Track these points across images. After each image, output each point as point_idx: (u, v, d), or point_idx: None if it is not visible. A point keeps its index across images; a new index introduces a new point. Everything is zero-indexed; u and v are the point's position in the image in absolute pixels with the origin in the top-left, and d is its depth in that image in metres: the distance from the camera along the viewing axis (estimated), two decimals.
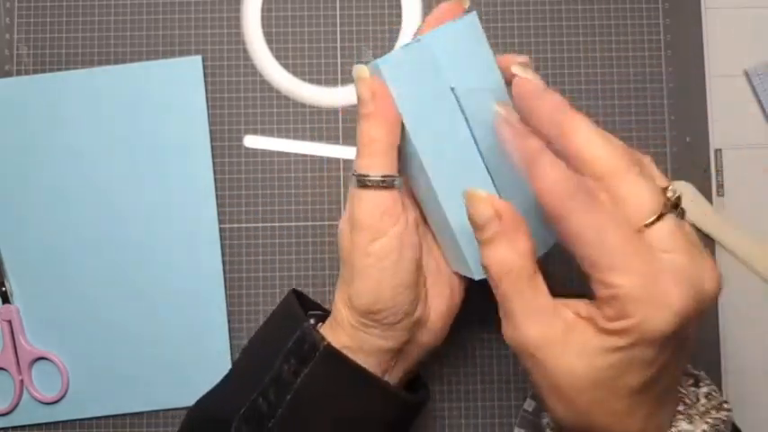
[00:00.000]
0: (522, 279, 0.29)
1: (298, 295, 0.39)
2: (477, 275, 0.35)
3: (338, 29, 0.48)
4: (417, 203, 0.38)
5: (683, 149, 0.48)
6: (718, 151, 0.48)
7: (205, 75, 0.48)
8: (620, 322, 0.27)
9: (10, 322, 0.46)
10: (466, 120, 0.33)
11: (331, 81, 0.48)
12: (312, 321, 0.36)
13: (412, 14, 0.48)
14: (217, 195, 0.47)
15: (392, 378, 0.36)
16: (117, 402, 0.46)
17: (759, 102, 0.48)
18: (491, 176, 0.34)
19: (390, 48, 0.48)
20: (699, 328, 0.31)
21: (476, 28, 0.34)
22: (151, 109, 0.47)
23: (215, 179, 0.47)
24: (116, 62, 0.48)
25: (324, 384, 0.34)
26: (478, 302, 0.47)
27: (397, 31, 0.48)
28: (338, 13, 0.48)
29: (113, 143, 0.47)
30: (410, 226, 0.34)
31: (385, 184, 0.33)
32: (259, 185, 0.47)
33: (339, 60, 0.48)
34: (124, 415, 0.46)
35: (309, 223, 0.47)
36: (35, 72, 0.48)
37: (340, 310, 0.36)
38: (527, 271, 0.29)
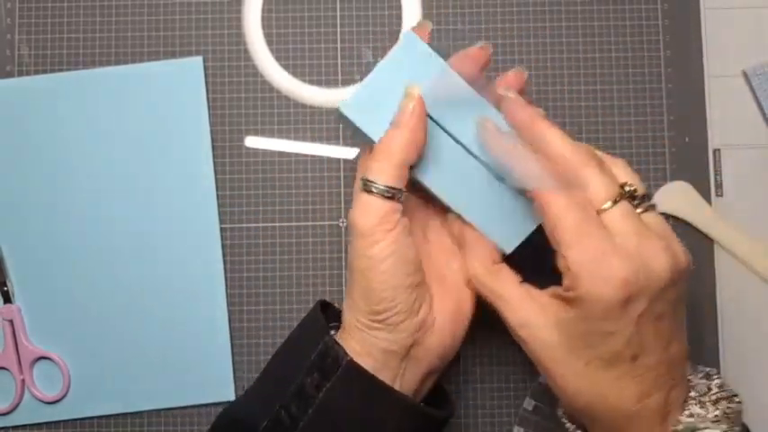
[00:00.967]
0: (487, 281, 0.37)
1: (325, 305, 0.40)
2: (508, 249, 0.38)
3: (338, 30, 0.48)
4: (415, 208, 0.39)
5: (681, 150, 0.48)
6: (716, 151, 0.48)
7: (206, 75, 0.48)
8: (571, 292, 0.32)
9: (11, 322, 0.46)
10: (444, 129, 0.37)
11: (331, 82, 0.48)
12: (333, 333, 0.37)
13: (412, 15, 0.48)
14: (217, 195, 0.47)
15: (404, 384, 0.36)
16: (118, 402, 0.46)
17: (758, 102, 0.48)
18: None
19: (390, 48, 0.48)
20: (679, 315, 0.34)
21: (415, 44, 0.37)
22: (152, 110, 0.47)
23: (216, 179, 0.47)
24: (117, 63, 0.48)
25: (345, 399, 0.35)
26: (478, 302, 0.47)
27: (397, 31, 0.48)
28: (338, 13, 0.49)
29: (114, 144, 0.47)
30: (406, 229, 0.35)
31: (389, 194, 0.34)
32: (260, 185, 0.48)
33: (339, 61, 0.48)
34: (125, 414, 0.47)
35: (309, 223, 0.47)
36: (36, 73, 0.48)
37: (347, 313, 0.36)
38: (489, 274, 0.37)
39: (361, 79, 0.48)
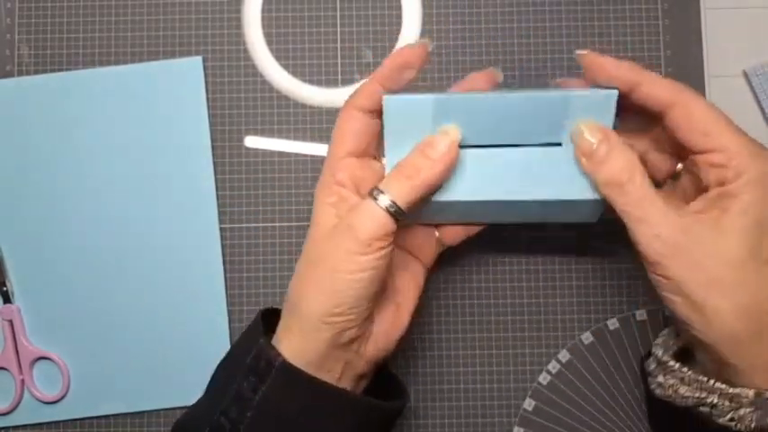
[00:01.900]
0: (646, 180, 0.33)
1: (273, 312, 0.39)
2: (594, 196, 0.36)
3: (338, 29, 0.48)
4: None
5: None
6: None
7: (206, 75, 0.48)
8: (734, 183, 0.32)
9: (11, 322, 0.46)
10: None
11: (331, 81, 0.48)
12: (269, 337, 0.36)
13: (412, 15, 0.48)
14: (217, 195, 0.47)
15: (342, 383, 0.36)
16: (118, 402, 0.46)
17: (758, 102, 0.48)
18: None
19: (390, 48, 0.48)
20: None
21: (394, 103, 0.36)
22: (152, 109, 0.47)
23: (216, 179, 0.47)
24: (117, 63, 0.48)
25: (283, 399, 0.34)
26: (478, 302, 0.47)
27: (397, 31, 0.48)
28: (338, 13, 0.49)
29: (114, 143, 0.47)
30: (392, 251, 0.35)
31: (398, 216, 0.34)
32: (260, 185, 0.48)
33: (339, 61, 0.48)
34: (125, 414, 0.47)
35: (309, 223, 0.47)
36: (36, 72, 0.48)
37: (290, 312, 0.36)
38: (645, 173, 0.33)
39: (361, 79, 0.48)
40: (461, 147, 0.35)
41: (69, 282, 0.47)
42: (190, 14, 0.48)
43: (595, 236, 0.47)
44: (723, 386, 0.32)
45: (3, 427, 0.46)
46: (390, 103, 0.35)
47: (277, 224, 0.47)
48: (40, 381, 0.47)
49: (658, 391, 0.35)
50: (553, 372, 0.46)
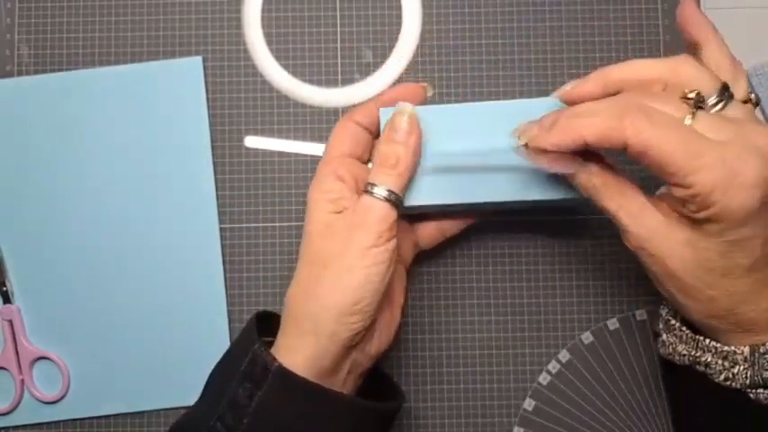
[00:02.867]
0: (615, 189, 0.34)
1: (266, 316, 0.39)
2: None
3: (338, 29, 0.48)
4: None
5: None
6: None
7: (206, 75, 0.48)
8: (703, 212, 0.31)
9: (11, 322, 0.46)
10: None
11: (331, 81, 0.48)
12: (265, 341, 0.36)
13: (412, 15, 0.48)
14: (217, 195, 0.47)
15: (343, 385, 0.37)
16: (118, 402, 0.46)
17: (758, 102, 0.48)
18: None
19: (390, 48, 0.48)
20: None
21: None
22: (152, 109, 0.47)
23: (215, 179, 0.47)
24: (117, 63, 0.48)
25: (280, 405, 0.34)
26: (477, 302, 0.47)
27: (397, 31, 0.48)
28: (338, 13, 0.49)
29: (114, 143, 0.47)
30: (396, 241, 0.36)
31: (396, 201, 0.36)
32: (260, 185, 0.48)
33: (339, 61, 0.48)
34: (125, 414, 0.47)
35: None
36: (36, 72, 0.48)
37: (298, 321, 0.36)
38: (619, 183, 0.34)
39: (361, 79, 0.48)
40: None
41: (69, 282, 0.47)
42: (190, 14, 0.48)
43: (595, 236, 0.47)
44: (718, 344, 0.33)
45: (3, 427, 0.46)
46: (386, 114, 0.38)
47: (277, 224, 0.47)
48: (39, 381, 0.47)
49: (662, 350, 0.37)
50: (553, 372, 0.46)
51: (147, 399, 0.46)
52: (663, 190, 0.35)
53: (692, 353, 0.34)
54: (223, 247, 0.47)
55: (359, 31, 0.48)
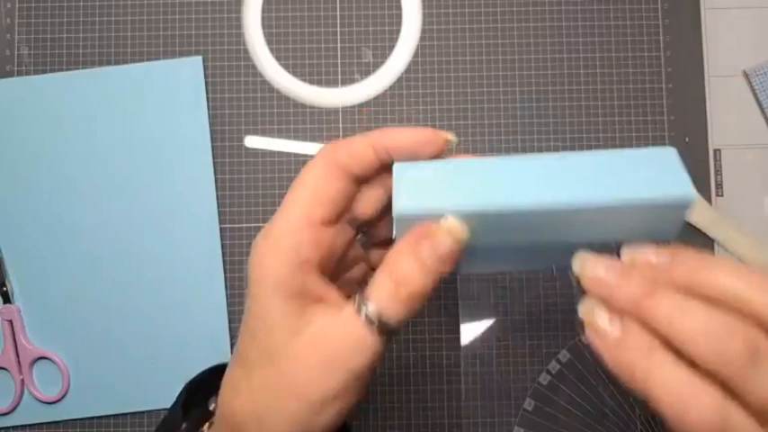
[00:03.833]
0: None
1: (201, 385, 0.33)
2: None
3: (338, 29, 0.48)
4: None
5: (682, 149, 0.48)
6: (717, 151, 0.48)
7: (206, 75, 0.48)
8: None
9: (11, 322, 0.46)
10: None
11: (331, 81, 0.48)
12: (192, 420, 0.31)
13: (412, 15, 0.48)
14: (217, 195, 0.47)
15: None
16: (117, 402, 0.46)
17: (758, 102, 0.48)
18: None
19: (390, 48, 0.48)
20: None
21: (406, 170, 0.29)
22: (152, 109, 0.47)
23: (215, 179, 0.47)
24: (117, 63, 0.48)
25: None
26: (479, 303, 0.47)
27: (397, 31, 0.48)
28: (338, 13, 0.49)
29: (114, 143, 0.47)
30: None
31: (391, 330, 0.26)
32: (260, 185, 0.48)
33: (339, 61, 0.48)
34: (125, 414, 0.47)
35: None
36: (36, 72, 0.48)
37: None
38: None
39: (362, 79, 0.48)
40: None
41: (69, 282, 0.47)
42: (190, 14, 0.48)
43: None
44: None
45: (3, 427, 0.46)
46: (403, 171, 0.28)
47: None
48: (39, 381, 0.47)
49: None
50: (553, 372, 0.46)
51: (146, 399, 0.46)
52: None
53: None
54: (223, 247, 0.47)
55: (359, 31, 0.48)
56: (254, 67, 0.48)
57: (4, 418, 0.46)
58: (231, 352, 0.46)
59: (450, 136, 0.29)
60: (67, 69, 0.48)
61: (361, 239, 0.33)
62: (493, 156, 0.32)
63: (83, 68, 0.48)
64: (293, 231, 0.27)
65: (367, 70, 0.48)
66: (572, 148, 0.48)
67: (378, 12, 0.48)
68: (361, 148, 0.28)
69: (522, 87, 0.48)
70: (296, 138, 0.48)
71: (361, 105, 0.48)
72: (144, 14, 0.48)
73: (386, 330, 0.25)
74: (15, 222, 0.47)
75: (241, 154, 0.48)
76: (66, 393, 0.46)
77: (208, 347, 0.46)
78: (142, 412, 0.46)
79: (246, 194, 0.48)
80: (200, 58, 0.48)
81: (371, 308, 0.25)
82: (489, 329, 0.47)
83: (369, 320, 0.25)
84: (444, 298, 0.47)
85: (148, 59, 0.48)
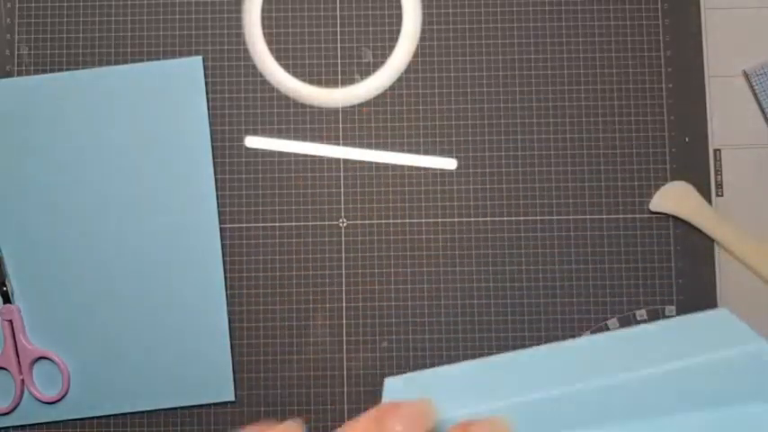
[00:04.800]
0: None
1: None
2: None
3: (338, 29, 0.48)
4: None
5: (682, 149, 0.48)
6: (717, 151, 0.48)
7: (206, 75, 0.48)
8: None
9: (11, 322, 0.46)
10: None
11: (331, 81, 0.48)
12: None
13: (412, 15, 0.48)
14: (217, 195, 0.47)
15: None
16: (117, 402, 0.46)
17: (758, 102, 0.48)
18: None
19: (390, 48, 0.48)
20: None
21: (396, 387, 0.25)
22: (152, 109, 0.47)
23: (216, 179, 0.47)
24: (117, 63, 0.48)
25: None
26: (478, 302, 0.47)
27: (397, 31, 0.48)
28: (338, 13, 0.49)
29: (114, 143, 0.47)
30: None
31: None
32: (259, 185, 0.48)
33: (339, 61, 0.48)
34: (124, 414, 0.47)
35: (309, 223, 0.47)
36: (36, 72, 0.48)
37: None
38: None
39: (362, 79, 0.48)
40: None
41: (69, 282, 0.47)
42: (190, 14, 0.48)
43: (595, 236, 0.47)
44: None
45: (3, 427, 0.46)
46: (394, 389, 0.24)
47: (277, 224, 0.47)
48: (40, 381, 0.47)
49: None
50: None
51: (146, 399, 0.46)
52: None
53: None
54: (223, 247, 0.47)
55: (359, 31, 0.48)
56: (254, 67, 0.48)
57: (4, 418, 0.46)
58: (232, 353, 0.46)
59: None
60: (67, 69, 0.48)
61: None
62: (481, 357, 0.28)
63: (83, 68, 0.48)
64: None
65: (367, 70, 0.48)
66: (572, 148, 0.48)
67: (378, 12, 0.48)
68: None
69: (522, 87, 0.48)
70: (296, 138, 0.48)
71: (361, 105, 0.48)
72: (144, 14, 0.48)
73: None
74: (15, 222, 0.47)
75: (241, 154, 0.48)
76: (66, 393, 0.46)
77: (207, 347, 0.46)
78: (142, 412, 0.46)
79: (246, 194, 0.48)
80: (200, 58, 0.48)
81: None
82: (489, 329, 0.47)
83: None
84: (444, 297, 0.47)
85: (148, 59, 0.48)
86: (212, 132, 0.48)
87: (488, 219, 0.46)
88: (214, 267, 0.47)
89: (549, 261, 0.47)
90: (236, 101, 0.48)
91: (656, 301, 0.46)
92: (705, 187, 0.47)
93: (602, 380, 0.22)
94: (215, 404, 0.46)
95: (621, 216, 0.47)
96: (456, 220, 0.47)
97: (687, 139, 0.48)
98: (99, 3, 0.48)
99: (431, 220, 0.47)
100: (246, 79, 0.48)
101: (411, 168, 0.48)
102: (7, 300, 0.47)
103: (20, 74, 0.48)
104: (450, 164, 0.48)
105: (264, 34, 0.49)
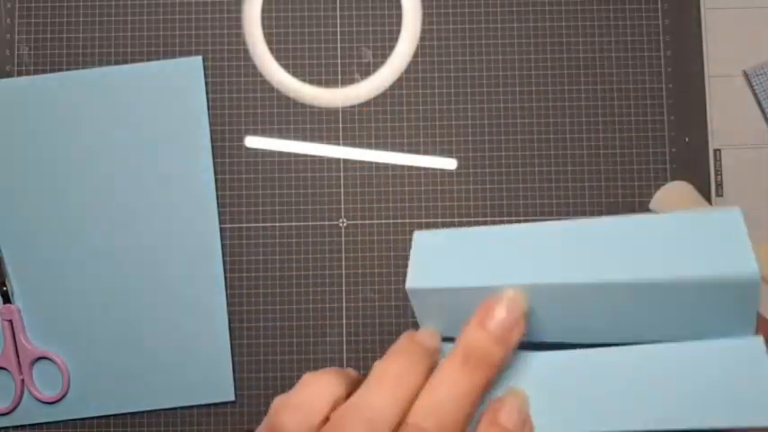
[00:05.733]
0: None
1: None
2: None
3: (338, 29, 0.48)
4: None
5: (682, 149, 0.48)
6: (717, 151, 0.48)
7: (206, 75, 0.48)
8: None
9: (11, 322, 0.46)
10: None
11: (331, 81, 0.48)
12: None
13: (412, 15, 0.48)
14: (217, 195, 0.47)
15: None
16: (117, 402, 0.46)
17: (758, 102, 0.48)
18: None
19: (390, 48, 0.48)
20: None
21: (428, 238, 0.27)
22: (152, 109, 0.47)
23: (216, 179, 0.47)
24: (117, 62, 0.48)
25: None
26: None
27: (397, 31, 0.48)
28: (338, 13, 0.49)
29: (114, 143, 0.47)
30: None
31: None
32: (260, 185, 0.48)
33: (339, 61, 0.48)
34: (124, 414, 0.47)
35: (309, 223, 0.47)
36: (36, 72, 0.48)
37: None
38: None
39: (362, 79, 0.48)
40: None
41: (69, 281, 0.47)
42: (190, 14, 0.48)
43: None
44: None
45: (3, 427, 0.46)
46: (424, 240, 0.26)
47: (277, 224, 0.47)
48: (39, 381, 0.47)
49: None
50: None
51: (146, 399, 0.46)
52: None
53: None
54: (223, 247, 0.47)
55: (359, 31, 0.48)
56: (254, 67, 0.48)
57: (4, 418, 0.46)
58: (232, 353, 0.46)
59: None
60: (67, 69, 0.48)
61: None
62: (511, 223, 0.30)
63: (83, 68, 0.48)
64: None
65: (367, 70, 0.48)
66: (572, 148, 0.48)
67: (378, 12, 0.48)
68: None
69: (522, 87, 0.48)
70: (296, 138, 0.48)
71: (361, 105, 0.48)
72: (144, 14, 0.48)
73: None
74: (15, 222, 0.47)
75: (241, 154, 0.48)
76: (66, 393, 0.46)
77: (208, 347, 0.46)
78: (142, 412, 0.46)
79: (247, 194, 0.48)
80: (200, 58, 0.48)
81: None
82: None
83: None
84: None
85: (148, 59, 0.48)
86: (212, 132, 0.48)
87: (488, 219, 0.46)
88: (214, 267, 0.47)
89: None
90: (236, 101, 0.48)
91: None
92: (705, 187, 0.47)
93: (596, 274, 0.23)
94: (215, 404, 0.46)
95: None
96: (456, 220, 0.47)
97: (687, 139, 0.48)
98: (99, 3, 0.48)
99: (431, 220, 0.47)
100: (246, 79, 0.48)
101: (411, 168, 0.48)
102: (7, 300, 0.47)
103: (20, 74, 0.48)
104: (450, 164, 0.48)
105: (264, 34, 0.49)
